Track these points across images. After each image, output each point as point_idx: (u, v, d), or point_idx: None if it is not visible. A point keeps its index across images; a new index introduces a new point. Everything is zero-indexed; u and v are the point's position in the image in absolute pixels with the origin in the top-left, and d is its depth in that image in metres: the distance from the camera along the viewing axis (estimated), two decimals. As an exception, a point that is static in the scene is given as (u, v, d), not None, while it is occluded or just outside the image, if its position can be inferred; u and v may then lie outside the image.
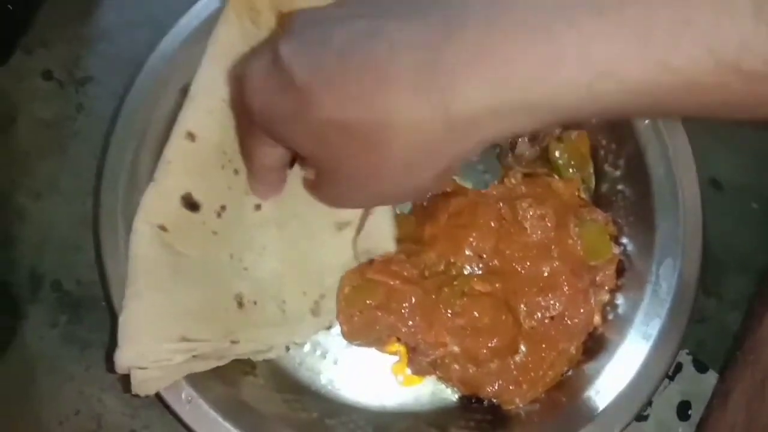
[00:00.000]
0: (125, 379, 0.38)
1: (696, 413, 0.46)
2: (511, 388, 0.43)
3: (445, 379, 0.45)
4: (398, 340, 0.45)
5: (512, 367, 0.43)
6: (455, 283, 0.44)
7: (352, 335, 0.45)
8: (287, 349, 0.46)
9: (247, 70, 0.33)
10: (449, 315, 0.43)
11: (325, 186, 0.37)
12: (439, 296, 0.43)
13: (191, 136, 0.41)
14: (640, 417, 0.46)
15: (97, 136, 0.50)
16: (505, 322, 0.43)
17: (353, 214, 0.48)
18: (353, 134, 0.30)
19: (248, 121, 0.35)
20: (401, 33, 0.28)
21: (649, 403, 0.46)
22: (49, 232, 0.49)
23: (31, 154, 0.51)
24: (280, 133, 0.34)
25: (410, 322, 0.44)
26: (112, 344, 0.38)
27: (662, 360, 0.43)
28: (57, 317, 0.48)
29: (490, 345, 0.43)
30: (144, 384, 0.37)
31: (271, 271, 0.45)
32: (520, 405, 0.44)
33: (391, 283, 0.44)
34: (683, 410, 0.46)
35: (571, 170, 0.49)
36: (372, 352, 0.47)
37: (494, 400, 0.44)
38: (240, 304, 0.42)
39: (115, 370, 0.37)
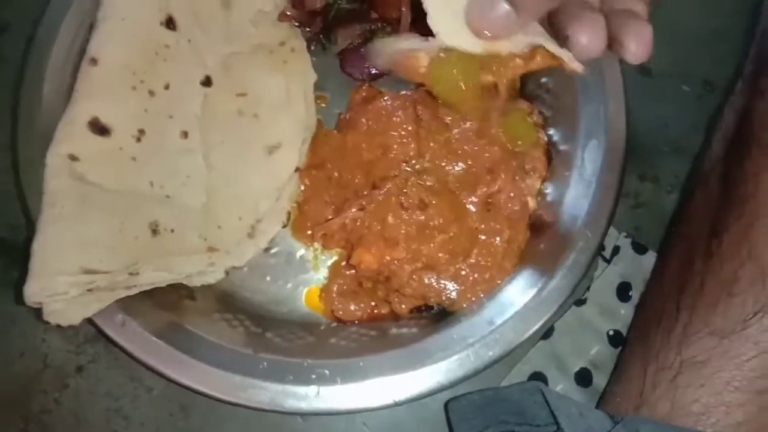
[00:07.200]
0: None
1: (637, 293, 0.46)
2: (464, 289, 0.43)
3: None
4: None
5: (466, 268, 0.43)
6: (405, 190, 0.43)
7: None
8: (226, 273, 0.46)
9: None
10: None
11: None
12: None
13: (94, 61, 0.41)
14: (579, 301, 0.46)
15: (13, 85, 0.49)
16: (455, 219, 0.43)
17: (283, 137, 0.48)
18: None
19: None
20: None
21: (587, 288, 0.46)
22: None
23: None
24: None
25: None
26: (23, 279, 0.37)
27: (592, 241, 0.43)
28: (-7, 264, 0.48)
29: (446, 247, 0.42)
30: (54, 315, 0.38)
31: (195, 201, 0.44)
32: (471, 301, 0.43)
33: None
34: (623, 291, 0.46)
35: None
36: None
37: (444, 305, 0.44)
38: (155, 232, 0.41)
39: (25, 302, 0.37)
